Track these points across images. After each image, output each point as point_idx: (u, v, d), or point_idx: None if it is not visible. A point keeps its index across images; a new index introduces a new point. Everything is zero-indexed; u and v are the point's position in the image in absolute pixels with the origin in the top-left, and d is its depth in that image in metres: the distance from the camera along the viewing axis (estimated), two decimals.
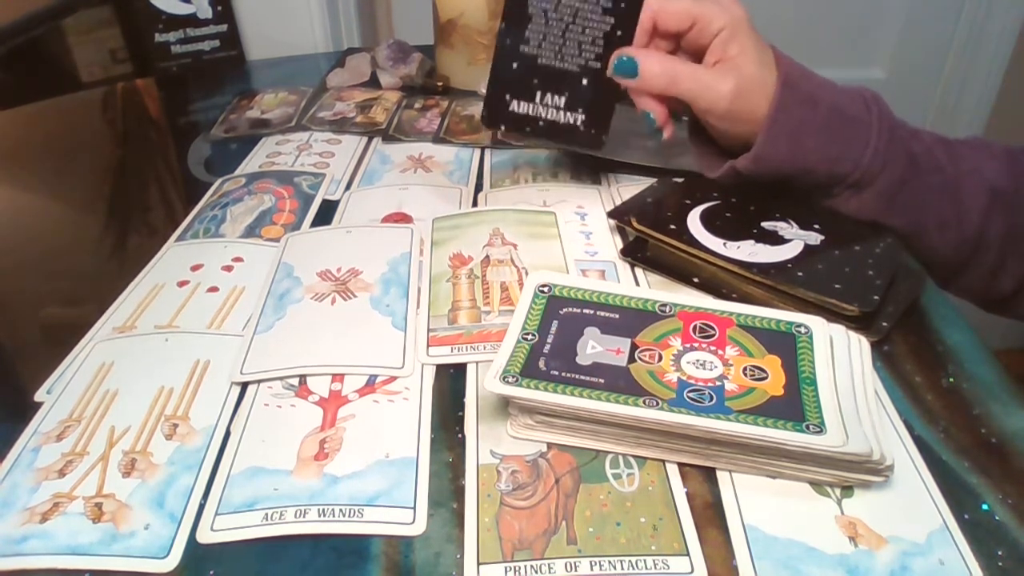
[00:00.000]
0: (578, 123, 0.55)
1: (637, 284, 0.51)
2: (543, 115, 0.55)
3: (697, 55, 0.53)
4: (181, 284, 0.52)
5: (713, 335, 0.42)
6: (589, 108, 0.54)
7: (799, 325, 0.42)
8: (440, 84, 0.83)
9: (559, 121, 0.55)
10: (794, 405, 0.37)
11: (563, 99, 0.54)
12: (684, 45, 0.53)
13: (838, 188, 0.52)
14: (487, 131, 0.72)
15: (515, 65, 0.54)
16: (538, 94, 0.54)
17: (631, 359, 0.40)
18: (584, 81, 0.53)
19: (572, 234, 0.56)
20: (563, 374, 0.39)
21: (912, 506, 0.35)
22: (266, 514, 0.35)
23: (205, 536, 0.35)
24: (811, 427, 0.36)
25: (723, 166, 0.54)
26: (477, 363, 0.44)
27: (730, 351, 0.41)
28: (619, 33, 0.52)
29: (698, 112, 0.52)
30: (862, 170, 0.50)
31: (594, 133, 0.55)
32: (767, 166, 0.51)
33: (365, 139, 0.73)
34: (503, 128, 0.56)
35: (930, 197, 0.52)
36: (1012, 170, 0.53)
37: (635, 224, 0.52)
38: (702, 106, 0.51)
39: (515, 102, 0.55)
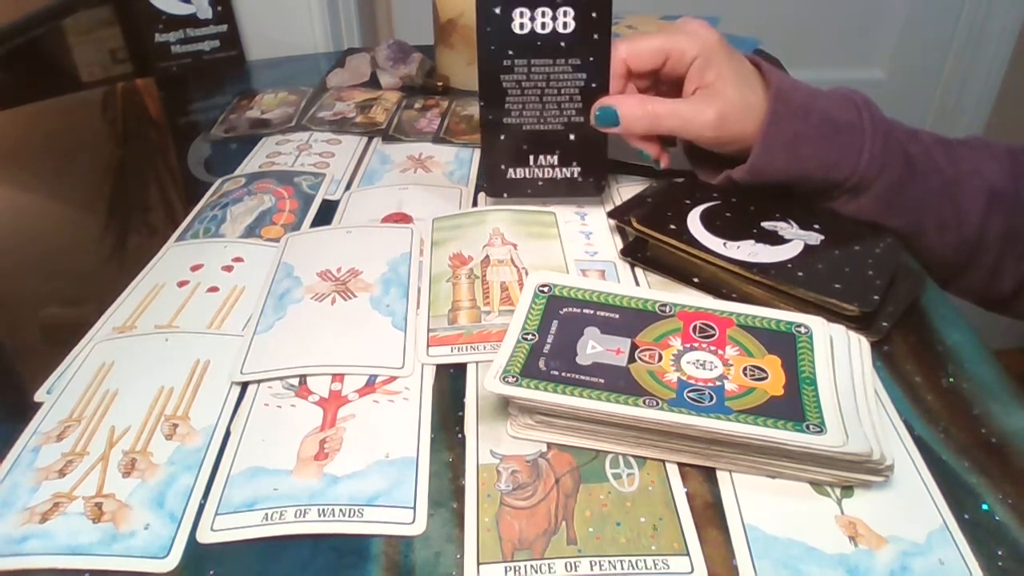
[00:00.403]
0: (575, 175, 0.57)
1: (637, 284, 0.51)
2: (540, 175, 0.57)
3: (676, 85, 0.54)
4: (181, 284, 0.52)
5: (713, 335, 0.42)
6: (582, 160, 0.56)
7: (799, 325, 0.42)
8: (440, 84, 0.83)
9: (556, 178, 0.57)
10: (794, 405, 0.37)
11: (555, 157, 0.56)
12: (663, 78, 0.54)
13: (836, 192, 0.52)
14: None
15: (503, 136, 0.56)
16: (531, 157, 0.56)
17: (631, 359, 0.40)
18: (571, 136, 0.55)
19: (572, 234, 0.56)
20: (563, 374, 0.39)
21: (912, 506, 0.35)
22: (266, 514, 0.35)
23: (205, 536, 0.35)
24: (811, 427, 0.36)
25: (720, 175, 0.54)
26: (477, 363, 0.44)
27: (730, 351, 0.41)
28: (594, 85, 0.53)
29: (687, 140, 0.54)
30: (859, 175, 0.50)
31: (592, 181, 0.57)
32: (763, 177, 0.52)
33: (365, 139, 0.73)
34: (506, 195, 0.58)
35: (929, 198, 0.52)
36: (1012, 170, 0.53)
37: (635, 224, 0.52)
38: (689, 137, 0.53)
39: (511, 170, 0.57)
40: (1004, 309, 0.58)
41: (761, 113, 0.50)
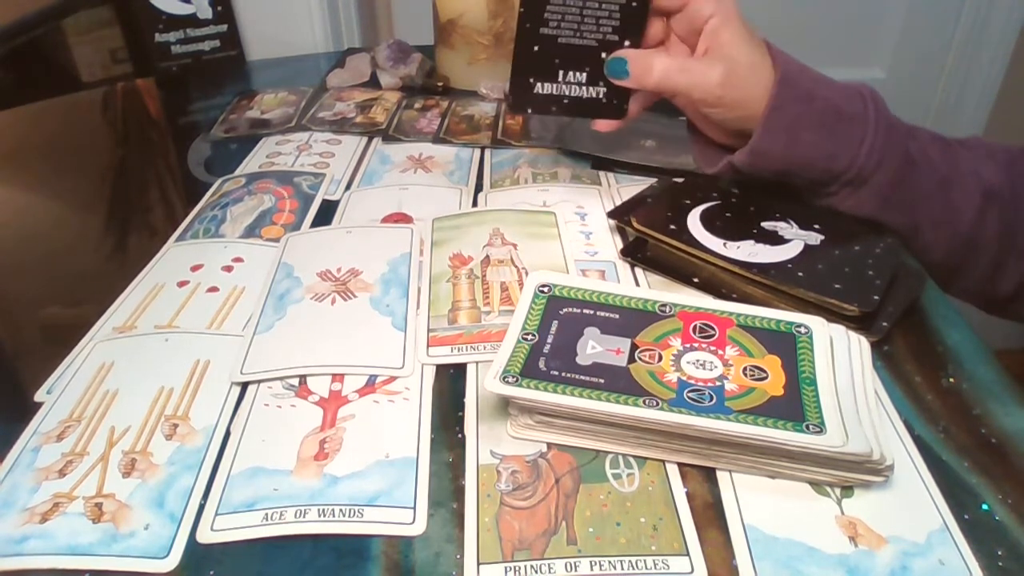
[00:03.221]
0: (600, 96, 0.56)
1: (637, 284, 0.51)
2: (567, 93, 0.56)
3: (689, 42, 0.54)
4: (181, 284, 0.52)
5: (713, 335, 0.42)
6: (609, 81, 0.56)
7: (799, 325, 0.42)
8: (440, 84, 0.83)
9: (583, 96, 0.56)
10: (794, 405, 0.37)
11: (584, 75, 0.56)
12: (675, 27, 0.54)
13: (835, 186, 0.52)
14: (487, 132, 0.72)
15: (536, 48, 0.55)
16: (560, 73, 0.56)
17: (631, 359, 0.40)
18: (603, 55, 0.55)
19: (572, 234, 0.56)
20: (563, 374, 0.39)
21: (912, 506, 0.35)
22: (266, 514, 0.35)
23: (205, 536, 0.35)
24: (811, 427, 0.36)
25: (721, 162, 0.54)
26: (477, 363, 0.44)
27: (730, 351, 0.41)
28: (634, 4, 0.53)
29: (692, 101, 0.53)
30: (858, 167, 0.50)
31: (616, 103, 0.56)
32: (763, 161, 0.52)
33: (365, 139, 0.73)
34: (529, 111, 0.57)
35: (924, 195, 0.52)
36: (1010, 171, 0.53)
37: (635, 224, 0.52)
38: (696, 96, 0.52)
39: (539, 84, 0.56)
40: (1004, 311, 0.58)
41: (768, 84, 0.50)
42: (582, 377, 0.39)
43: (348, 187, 0.65)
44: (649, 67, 0.52)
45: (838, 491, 0.36)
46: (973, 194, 0.52)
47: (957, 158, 0.53)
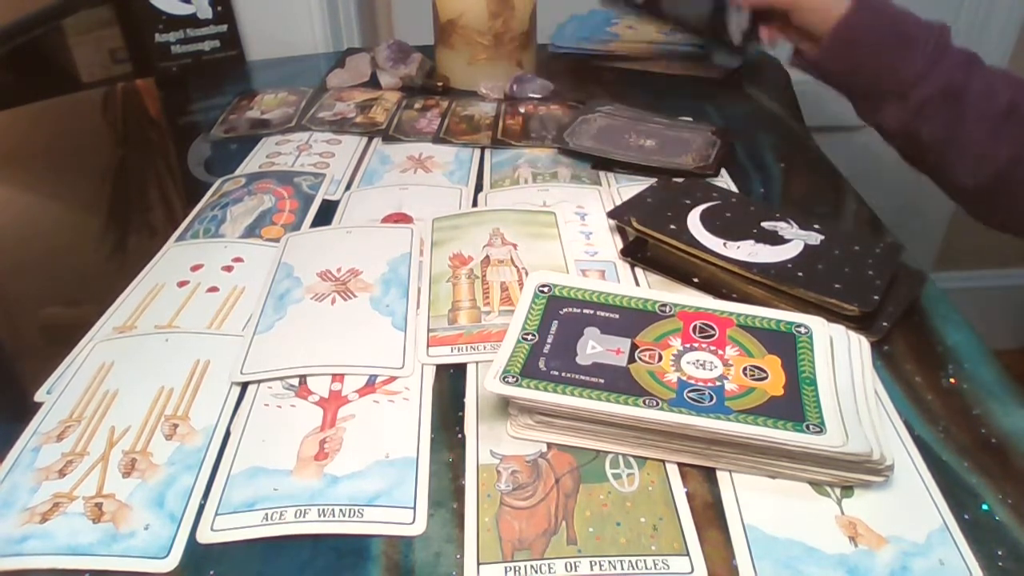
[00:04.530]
0: None
1: (637, 284, 0.51)
2: None
3: None
4: (181, 284, 0.52)
5: (713, 335, 0.42)
6: None
7: (799, 325, 0.42)
8: (440, 84, 0.83)
9: None
10: (794, 405, 0.37)
11: None
12: None
13: (881, 99, 0.61)
14: (487, 132, 0.72)
15: None
16: None
17: (631, 359, 0.40)
18: None
19: (572, 234, 0.56)
20: (563, 374, 0.39)
21: (912, 506, 0.35)
22: (266, 514, 0.35)
23: (205, 536, 0.35)
24: (811, 427, 0.36)
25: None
26: (477, 363, 0.44)
27: (730, 351, 0.41)
28: None
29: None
30: (908, 83, 0.58)
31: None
32: (831, 57, 0.62)
33: (365, 139, 0.73)
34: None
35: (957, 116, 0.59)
36: None
37: (635, 224, 0.52)
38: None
39: None
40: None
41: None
42: (582, 377, 0.39)
43: (348, 187, 0.65)
44: None
45: (838, 491, 0.36)
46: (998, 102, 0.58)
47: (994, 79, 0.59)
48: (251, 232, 0.57)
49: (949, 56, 0.59)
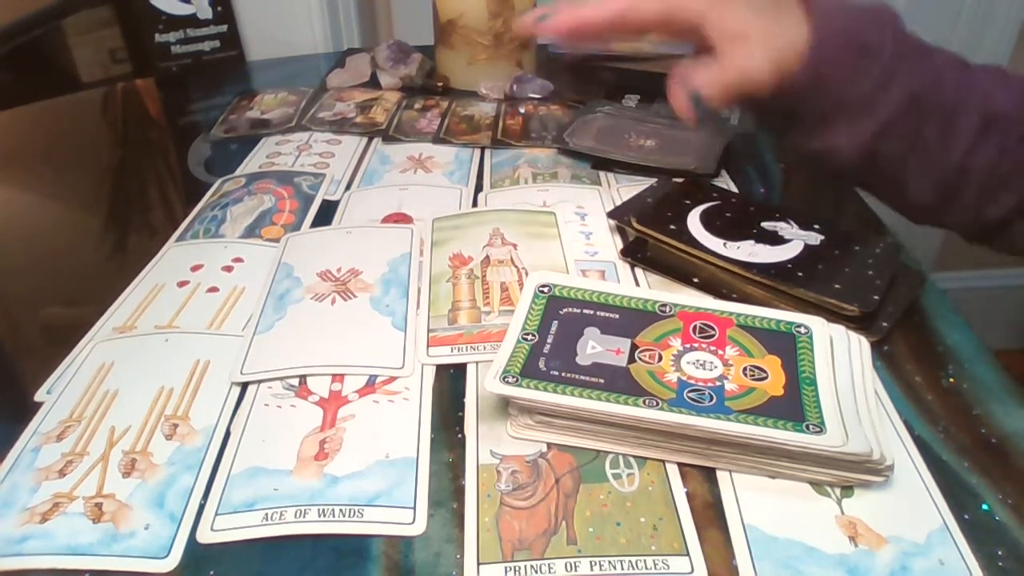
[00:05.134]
0: None
1: (637, 284, 0.51)
2: None
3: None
4: (181, 284, 0.52)
5: (713, 335, 0.42)
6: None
7: (799, 325, 0.42)
8: (440, 84, 0.83)
9: None
10: (794, 405, 0.37)
11: None
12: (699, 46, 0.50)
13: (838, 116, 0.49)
14: (486, 132, 0.72)
15: None
16: None
17: (631, 359, 0.40)
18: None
19: (572, 234, 0.56)
20: (563, 374, 0.39)
21: (912, 506, 0.35)
22: (266, 514, 0.35)
23: (205, 536, 0.35)
24: (811, 427, 0.36)
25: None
26: (477, 363, 0.44)
27: (730, 351, 0.41)
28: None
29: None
30: (867, 98, 0.47)
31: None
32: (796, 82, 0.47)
33: (365, 139, 0.73)
34: None
35: (923, 127, 0.49)
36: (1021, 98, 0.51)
37: (635, 224, 0.52)
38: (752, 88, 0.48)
39: None
40: (990, 242, 0.55)
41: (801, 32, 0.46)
42: (582, 377, 0.39)
43: (348, 187, 0.65)
44: (716, 86, 0.47)
45: (838, 491, 0.36)
46: (973, 120, 0.49)
47: (972, 82, 0.49)
48: (251, 232, 0.57)
49: (908, 59, 0.49)
